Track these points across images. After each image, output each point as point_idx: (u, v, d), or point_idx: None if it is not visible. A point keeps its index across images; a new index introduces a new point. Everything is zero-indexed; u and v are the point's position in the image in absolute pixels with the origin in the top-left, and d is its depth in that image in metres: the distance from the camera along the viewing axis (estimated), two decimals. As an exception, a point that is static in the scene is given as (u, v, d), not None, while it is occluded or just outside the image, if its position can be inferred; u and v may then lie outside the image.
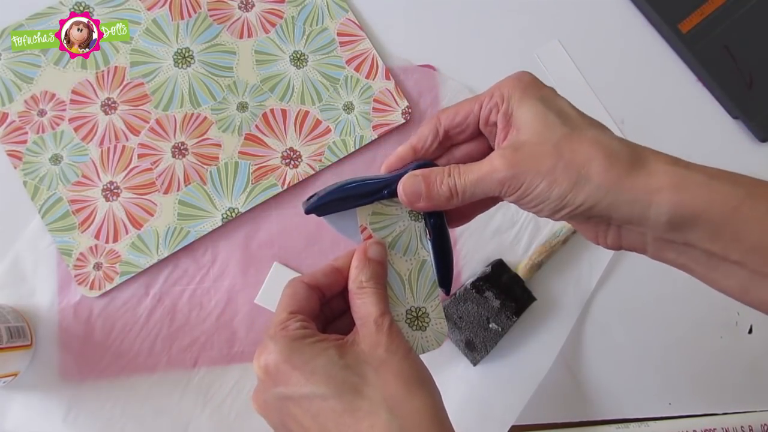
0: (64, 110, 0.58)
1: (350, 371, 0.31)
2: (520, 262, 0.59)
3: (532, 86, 0.35)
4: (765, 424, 0.59)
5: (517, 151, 0.33)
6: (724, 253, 0.32)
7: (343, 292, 0.36)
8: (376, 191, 0.35)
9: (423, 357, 0.34)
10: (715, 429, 0.59)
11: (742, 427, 0.59)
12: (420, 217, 0.37)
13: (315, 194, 0.36)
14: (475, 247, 0.59)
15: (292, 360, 0.31)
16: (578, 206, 0.32)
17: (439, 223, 0.37)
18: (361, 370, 0.31)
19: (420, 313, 0.36)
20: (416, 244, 0.37)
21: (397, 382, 0.31)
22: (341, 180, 0.36)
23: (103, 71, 0.59)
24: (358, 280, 0.34)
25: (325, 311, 0.37)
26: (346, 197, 0.35)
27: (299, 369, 0.31)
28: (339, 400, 0.30)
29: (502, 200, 0.39)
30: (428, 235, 0.37)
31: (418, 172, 0.35)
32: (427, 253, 0.37)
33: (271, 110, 0.60)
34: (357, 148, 0.59)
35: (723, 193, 0.31)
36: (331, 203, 0.35)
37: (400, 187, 0.35)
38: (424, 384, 0.31)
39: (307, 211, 0.35)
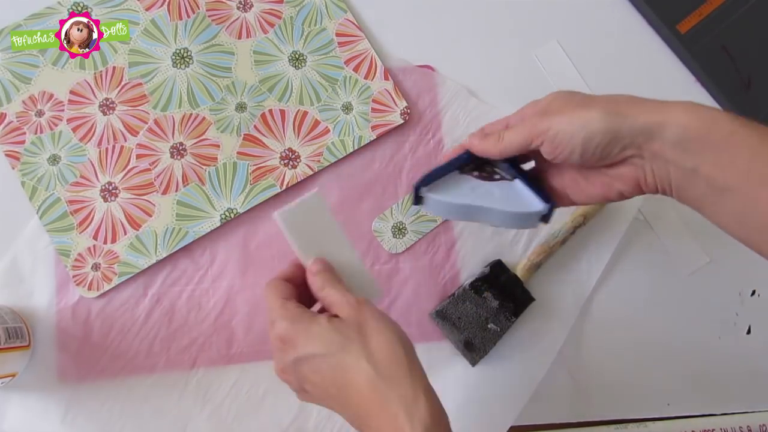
0: (63, 110, 0.58)
1: (337, 333, 0.39)
2: (518, 262, 0.59)
3: None
4: (763, 425, 0.59)
5: (544, 111, 0.43)
6: (724, 178, 0.37)
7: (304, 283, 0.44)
8: (461, 159, 0.47)
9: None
10: (713, 429, 0.59)
11: (740, 427, 0.59)
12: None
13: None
14: (473, 247, 0.59)
15: (295, 326, 0.40)
16: (605, 134, 0.39)
17: (516, 168, 0.47)
18: (346, 331, 0.39)
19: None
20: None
21: (377, 338, 0.38)
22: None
23: (101, 71, 0.59)
24: (316, 288, 0.43)
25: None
26: (443, 168, 0.47)
27: (302, 333, 0.40)
28: (333, 357, 0.38)
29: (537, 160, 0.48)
30: (514, 178, 0.47)
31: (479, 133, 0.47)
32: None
33: (270, 111, 0.60)
34: (356, 148, 0.59)
35: (722, 121, 0.37)
36: (431, 175, 0.46)
37: (470, 135, 0.47)
38: (393, 335, 0.39)
39: (417, 186, 0.46)
